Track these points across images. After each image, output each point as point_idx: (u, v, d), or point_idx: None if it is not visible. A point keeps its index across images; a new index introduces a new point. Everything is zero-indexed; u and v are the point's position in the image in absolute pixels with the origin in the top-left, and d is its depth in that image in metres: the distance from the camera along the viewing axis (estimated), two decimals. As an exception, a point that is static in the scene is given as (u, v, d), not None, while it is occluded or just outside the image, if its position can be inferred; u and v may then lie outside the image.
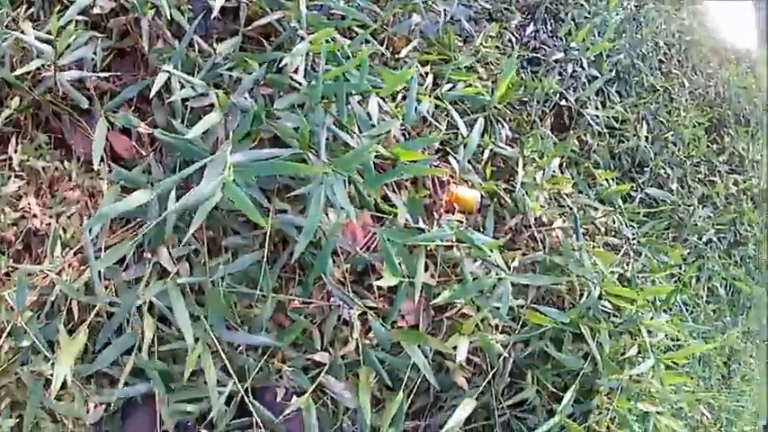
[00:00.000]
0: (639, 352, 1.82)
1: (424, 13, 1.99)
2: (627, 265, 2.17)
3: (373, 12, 1.85)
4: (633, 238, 2.40)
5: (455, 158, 1.85)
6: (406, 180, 1.74)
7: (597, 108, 2.77)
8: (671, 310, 2.55)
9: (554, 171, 2.22)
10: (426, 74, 1.87)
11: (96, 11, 1.55)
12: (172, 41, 1.56)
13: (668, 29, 3.92)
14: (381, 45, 1.86)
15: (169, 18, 1.51)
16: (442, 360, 1.61)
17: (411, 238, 1.52)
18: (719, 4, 5.55)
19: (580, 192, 2.37)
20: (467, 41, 2.24)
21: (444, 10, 2.07)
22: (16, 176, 1.49)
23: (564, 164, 2.49)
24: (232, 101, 1.45)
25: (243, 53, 1.55)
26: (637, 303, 1.86)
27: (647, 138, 3.03)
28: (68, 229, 1.46)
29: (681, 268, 2.83)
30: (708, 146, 3.67)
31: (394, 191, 1.69)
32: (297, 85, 1.50)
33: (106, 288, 1.37)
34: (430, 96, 1.82)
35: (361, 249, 1.60)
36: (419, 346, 1.48)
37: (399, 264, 1.50)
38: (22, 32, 1.48)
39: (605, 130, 2.81)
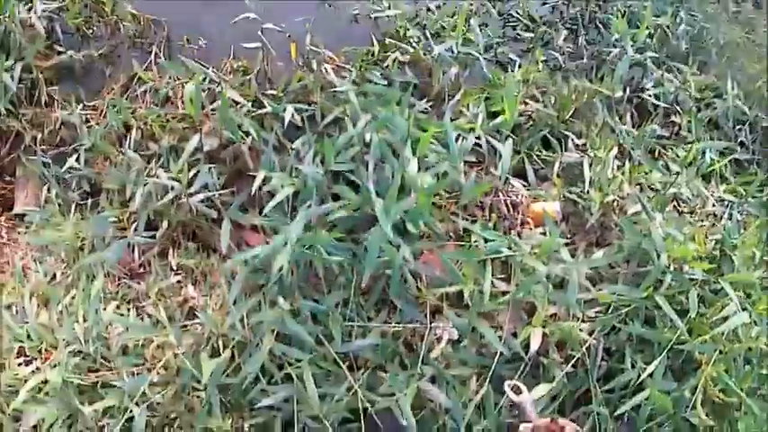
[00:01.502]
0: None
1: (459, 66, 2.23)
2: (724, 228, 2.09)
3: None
4: (739, 201, 2.30)
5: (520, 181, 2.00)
6: (480, 210, 1.93)
7: (675, 87, 2.70)
8: None
9: (639, 161, 2.27)
10: (477, 114, 2.04)
11: (207, 148, 1.98)
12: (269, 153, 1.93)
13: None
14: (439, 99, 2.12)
15: (257, 138, 1.89)
16: (538, 358, 1.72)
17: (473, 255, 1.69)
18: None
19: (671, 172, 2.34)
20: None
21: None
22: (175, 274, 1.99)
23: (657, 150, 2.51)
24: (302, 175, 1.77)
25: (319, 143, 1.88)
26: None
27: (737, 96, 2.78)
28: (217, 302, 1.87)
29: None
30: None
31: (473, 222, 1.90)
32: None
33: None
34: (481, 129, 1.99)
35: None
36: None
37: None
38: (157, 177, 1.95)
39: (691, 105, 2.73)
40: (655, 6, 2.85)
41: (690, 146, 2.47)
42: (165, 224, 1.98)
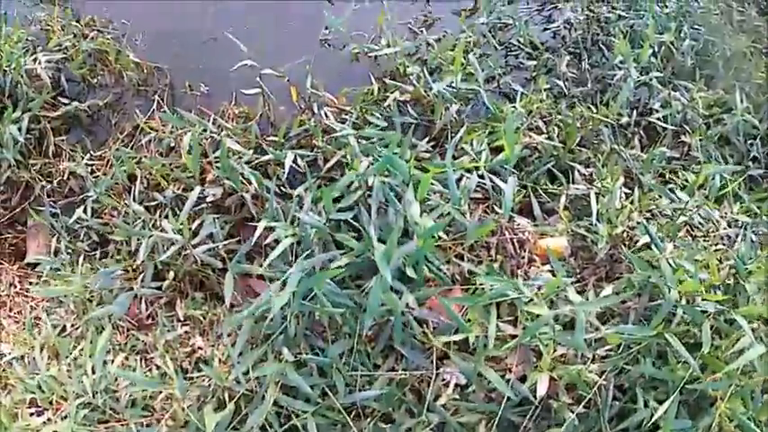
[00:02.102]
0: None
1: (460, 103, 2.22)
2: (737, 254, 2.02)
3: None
4: (753, 222, 2.24)
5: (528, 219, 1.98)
6: (486, 250, 1.91)
7: (683, 106, 2.66)
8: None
9: (648, 188, 2.24)
10: (481, 152, 2.03)
11: (210, 198, 2.00)
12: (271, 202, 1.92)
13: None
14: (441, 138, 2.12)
15: (259, 186, 1.91)
16: (548, 401, 1.68)
17: (477, 300, 1.67)
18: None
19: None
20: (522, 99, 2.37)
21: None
22: (183, 324, 1.99)
23: (666, 173, 2.47)
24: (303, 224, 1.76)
25: (320, 189, 1.87)
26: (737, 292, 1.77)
27: (747, 109, 2.68)
28: (224, 353, 1.86)
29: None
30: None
31: (479, 263, 1.89)
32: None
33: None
34: (485, 167, 1.96)
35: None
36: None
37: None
38: (162, 229, 1.96)
39: (700, 123, 2.68)
40: (658, 23, 2.81)
41: (699, 167, 2.42)
42: (171, 275, 1.99)
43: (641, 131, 2.57)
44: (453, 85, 2.16)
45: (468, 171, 1.89)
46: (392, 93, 2.22)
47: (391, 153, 1.69)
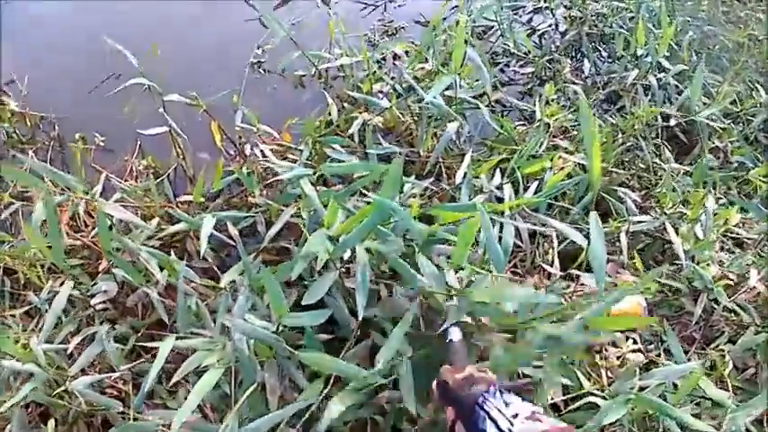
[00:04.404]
0: None
1: (460, 118, 1.43)
2: None
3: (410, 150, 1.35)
4: None
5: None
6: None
7: (705, 104, 2.01)
8: None
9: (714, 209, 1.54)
10: (502, 186, 1.27)
11: (99, 300, 1.16)
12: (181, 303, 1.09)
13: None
14: (434, 175, 1.34)
15: (164, 284, 1.09)
16: None
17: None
18: None
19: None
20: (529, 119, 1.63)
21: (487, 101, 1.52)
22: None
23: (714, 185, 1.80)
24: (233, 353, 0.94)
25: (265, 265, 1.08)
26: None
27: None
28: None
29: None
30: None
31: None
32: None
33: None
34: (512, 209, 1.20)
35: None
36: None
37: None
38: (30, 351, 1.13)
39: (728, 123, 2.04)
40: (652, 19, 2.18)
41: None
42: (51, 423, 1.13)
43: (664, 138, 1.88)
44: (451, 91, 1.37)
45: (496, 213, 1.11)
46: (359, 114, 1.41)
47: (386, 197, 0.90)
